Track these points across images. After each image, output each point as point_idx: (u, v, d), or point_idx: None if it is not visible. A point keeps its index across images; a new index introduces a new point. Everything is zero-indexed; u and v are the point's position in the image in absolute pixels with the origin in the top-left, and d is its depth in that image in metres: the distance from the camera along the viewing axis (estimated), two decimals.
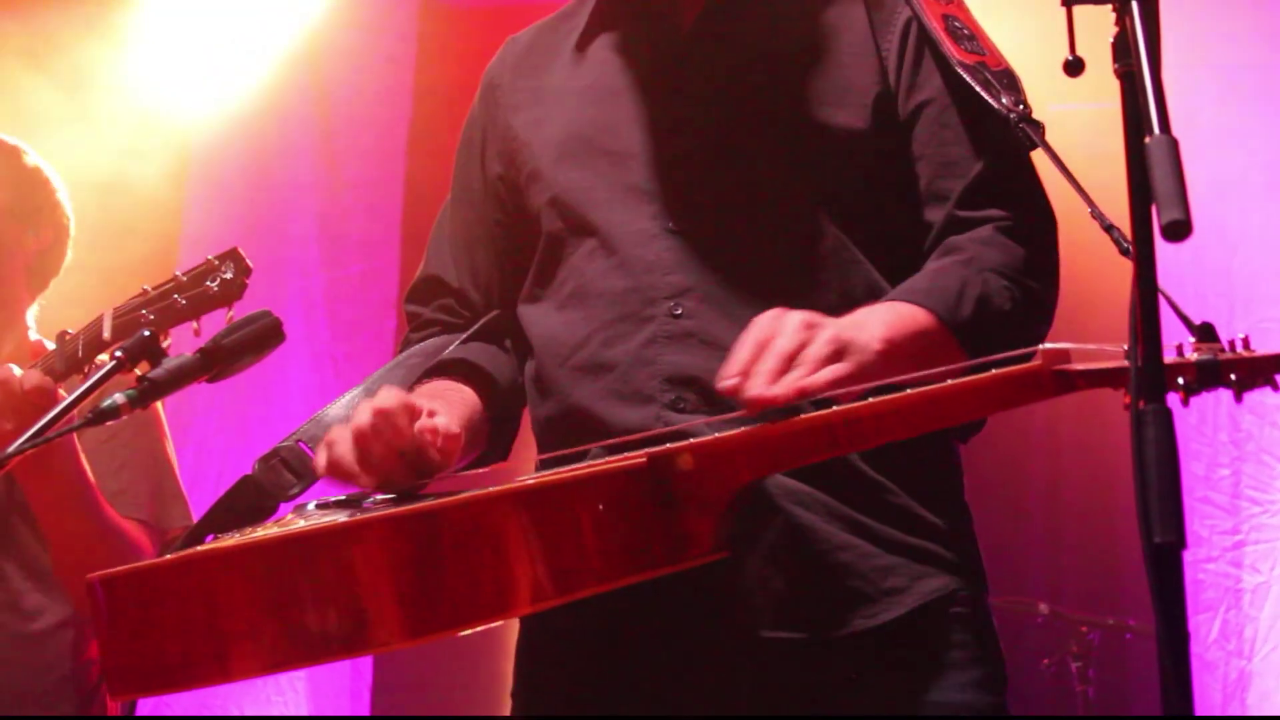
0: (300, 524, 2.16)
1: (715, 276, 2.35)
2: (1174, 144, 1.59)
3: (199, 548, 2.21)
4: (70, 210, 3.75)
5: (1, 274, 3.61)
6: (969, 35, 2.42)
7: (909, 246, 2.40)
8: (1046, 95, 5.54)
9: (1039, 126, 2.29)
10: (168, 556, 2.20)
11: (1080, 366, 1.89)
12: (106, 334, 3.11)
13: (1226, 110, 5.85)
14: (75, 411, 2.57)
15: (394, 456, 2.21)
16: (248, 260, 3.05)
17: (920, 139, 2.41)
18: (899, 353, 2.13)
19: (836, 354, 2.06)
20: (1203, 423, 5.79)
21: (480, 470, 2.48)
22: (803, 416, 2.01)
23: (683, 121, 2.44)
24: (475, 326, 2.60)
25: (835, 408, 2.01)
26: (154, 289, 3.09)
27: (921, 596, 2.29)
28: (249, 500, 2.41)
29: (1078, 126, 5.58)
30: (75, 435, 3.23)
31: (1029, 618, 6.06)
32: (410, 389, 2.44)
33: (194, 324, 3.03)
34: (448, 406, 2.35)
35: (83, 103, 6.31)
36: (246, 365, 2.47)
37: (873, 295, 2.33)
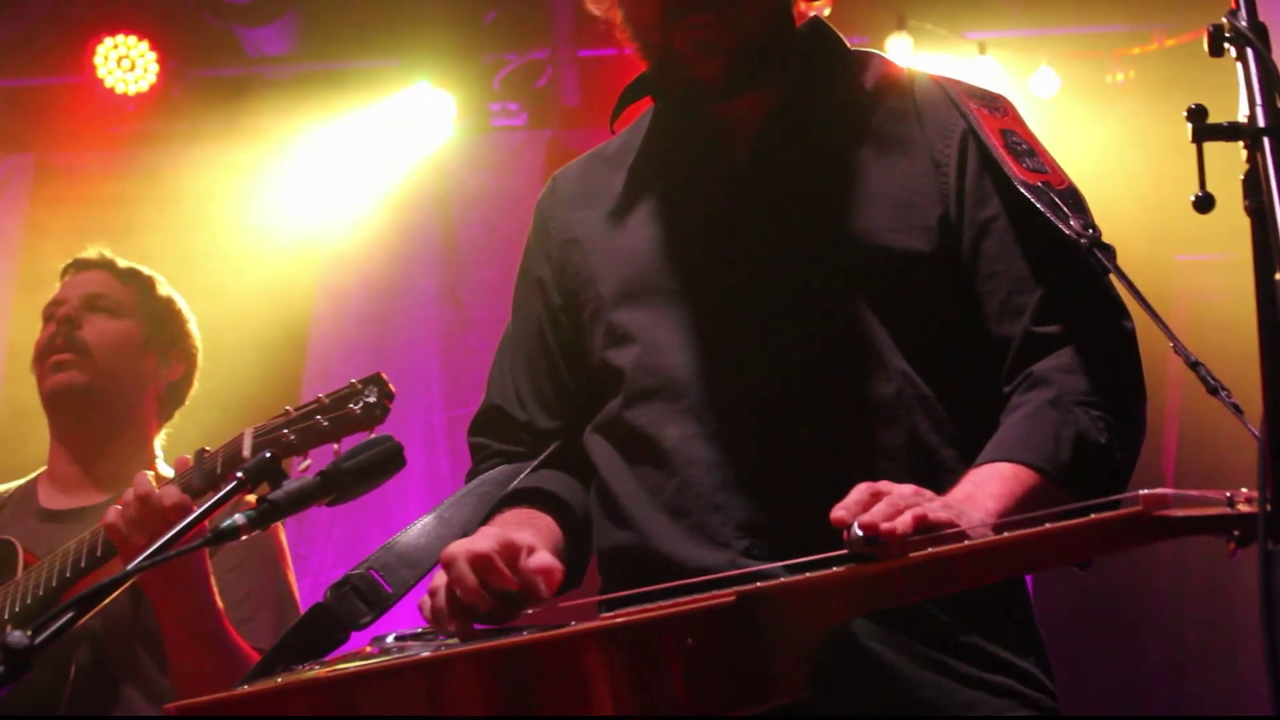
0: (379, 657, 2.14)
1: (784, 419, 2.34)
2: None
3: (281, 680, 2.19)
4: (199, 342, 3.82)
5: (134, 403, 3.69)
6: (1029, 151, 2.39)
7: (975, 372, 2.37)
8: (1174, 243, 5.54)
9: (1110, 251, 2.24)
10: (244, 688, 2.18)
11: (1181, 513, 1.82)
12: (246, 452, 3.13)
13: None
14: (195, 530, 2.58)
15: (495, 599, 2.19)
16: (390, 385, 3.07)
17: (990, 254, 2.38)
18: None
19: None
20: None
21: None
22: (912, 556, 1.95)
23: (744, 257, 2.42)
24: (545, 454, 2.59)
25: (942, 547, 1.95)
26: (296, 410, 3.12)
27: None
28: (321, 629, 2.40)
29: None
30: (208, 559, 3.26)
31: None
32: (486, 518, 2.45)
33: (335, 445, 3.06)
34: (537, 536, 2.34)
35: (208, 242, 6.45)
36: (367, 490, 2.47)
37: (939, 432, 2.33)
